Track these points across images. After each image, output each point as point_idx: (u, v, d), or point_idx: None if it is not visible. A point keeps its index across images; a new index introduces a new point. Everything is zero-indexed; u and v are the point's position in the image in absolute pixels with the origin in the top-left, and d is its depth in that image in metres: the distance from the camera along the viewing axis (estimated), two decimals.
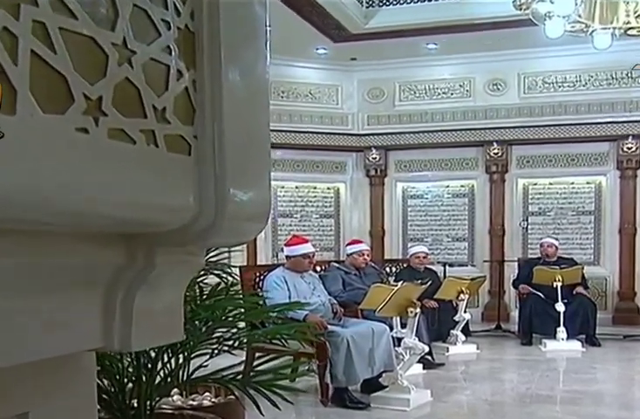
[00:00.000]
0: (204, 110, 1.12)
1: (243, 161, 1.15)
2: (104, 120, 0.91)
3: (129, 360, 2.19)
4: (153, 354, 2.20)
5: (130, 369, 2.22)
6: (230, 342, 2.47)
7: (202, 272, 2.59)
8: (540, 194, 9.21)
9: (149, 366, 2.25)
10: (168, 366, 2.37)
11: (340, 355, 4.85)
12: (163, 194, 1.02)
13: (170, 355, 2.32)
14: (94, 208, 0.91)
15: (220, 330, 2.48)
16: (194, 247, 1.22)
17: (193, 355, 2.44)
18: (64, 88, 0.82)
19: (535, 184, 9.22)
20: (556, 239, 8.15)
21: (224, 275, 2.74)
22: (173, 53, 1.01)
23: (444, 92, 9.34)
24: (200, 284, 2.67)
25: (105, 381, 2.20)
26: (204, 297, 2.53)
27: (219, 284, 2.61)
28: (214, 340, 2.45)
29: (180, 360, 2.38)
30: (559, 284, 7.28)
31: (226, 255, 3.36)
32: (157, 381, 2.30)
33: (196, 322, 2.39)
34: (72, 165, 0.83)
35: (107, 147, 0.92)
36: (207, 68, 1.15)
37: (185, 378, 2.36)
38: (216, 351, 2.48)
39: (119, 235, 1.11)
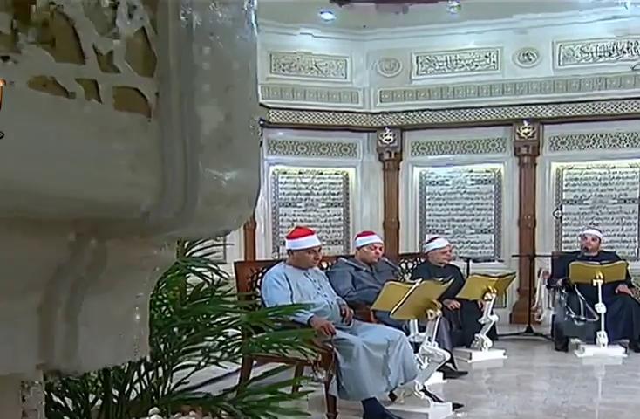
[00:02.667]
0: (168, 59, 0.97)
1: (224, 132, 1.05)
2: (21, 63, 0.74)
3: (96, 374, 2.06)
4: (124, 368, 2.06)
5: (99, 384, 2.08)
6: (219, 352, 2.33)
7: (177, 270, 2.43)
8: (576, 179, 9.15)
9: (121, 381, 2.10)
10: (145, 380, 2.23)
11: (349, 365, 4.75)
12: (110, 166, 0.88)
13: (146, 369, 2.18)
14: (11, 180, 0.76)
15: (206, 338, 2.35)
16: (158, 238, 1.08)
17: (175, 368, 2.30)
18: None
19: (571, 168, 9.16)
20: (600, 231, 8.02)
21: (210, 272, 2.58)
22: None
23: (467, 64, 9.28)
24: (181, 284, 2.52)
25: (68, 400, 2.07)
26: (185, 300, 2.38)
27: (201, 284, 2.47)
28: (200, 351, 2.31)
29: (160, 374, 2.24)
30: (599, 281, 7.18)
31: (216, 249, 3.21)
32: (132, 399, 2.17)
33: (175, 330, 2.25)
34: None
35: (29, 100, 0.76)
36: (172, 6, 1.00)
37: (165, 395, 2.22)
38: (202, 363, 2.34)
39: (58, 223, 0.97)
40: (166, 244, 1.15)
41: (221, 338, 2.39)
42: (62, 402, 2.08)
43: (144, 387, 2.22)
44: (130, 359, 1.17)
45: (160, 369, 2.25)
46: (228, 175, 1.03)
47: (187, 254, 3.00)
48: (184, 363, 2.36)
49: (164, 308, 2.30)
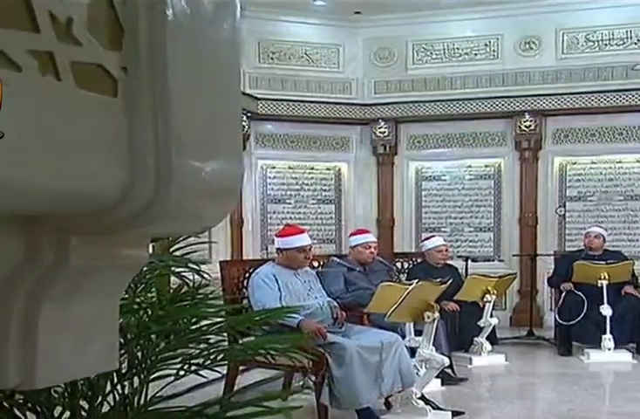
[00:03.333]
0: (137, 30, 0.89)
1: (203, 118, 1.00)
2: None
3: (62, 385, 1.98)
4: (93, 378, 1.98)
5: (66, 395, 2.00)
6: (201, 360, 2.26)
7: (156, 270, 2.36)
8: (580, 175, 9.13)
9: (89, 393, 2.03)
10: (119, 390, 2.15)
11: (342, 371, 4.69)
12: (71, 154, 0.81)
13: (118, 379, 2.10)
14: None
15: (187, 345, 2.28)
16: (128, 235, 1.01)
17: (152, 377, 2.22)
18: None
19: (575, 163, 9.13)
20: (604, 229, 8.01)
21: (192, 273, 2.51)
22: None
23: (466, 53, 9.23)
24: (160, 286, 2.44)
25: (31, 415, 1.99)
26: (164, 304, 2.30)
27: (181, 286, 2.39)
28: (179, 359, 2.24)
29: (136, 384, 2.17)
30: (604, 282, 7.16)
31: (200, 247, 3.14)
32: (103, 412, 2.09)
33: (152, 336, 2.17)
34: None
35: None
36: None
37: (141, 406, 2.14)
38: (182, 371, 2.26)
39: (12, 218, 0.89)
40: (139, 242, 1.09)
41: (205, 344, 2.32)
42: (23, 418, 2.00)
43: (117, 398, 2.14)
44: (97, 371, 1.10)
45: (136, 379, 2.17)
46: (209, 166, 0.99)
47: (172, 253, 2.92)
48: (162, 372, 2.29)
49: (142, 312, 2.23)
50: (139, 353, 2.18)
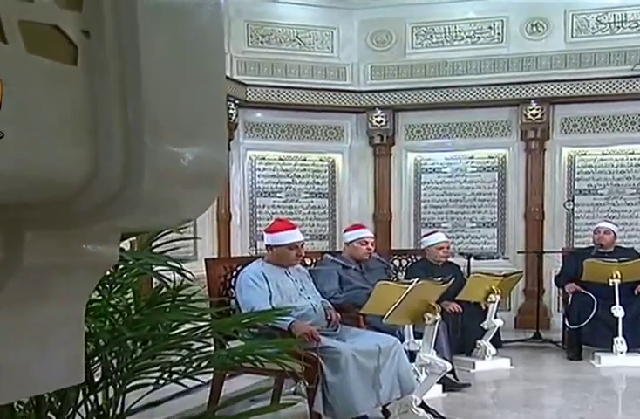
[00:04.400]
0: None
1: (182, 96, 0.94)
2: None
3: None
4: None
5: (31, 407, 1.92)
6: (183, 368, 2.18)
7: (133, 270, 2.27)
8: (590, 167, 9.12)
9: (59, 404, 1.95)
10: (93, 401, 2.08)
11: (337, 377, 4.66)
12: (21, 132, 0.73)
13: (90, 390, 2.02)
14: None
15: (166, 352, 2.20)
16: (94, 229, 0.93)
17: (129, 386, 2.15)
18: None
19: (584, 154, 9.12)
20: (615, 224, 7.99)
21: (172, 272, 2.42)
22: None
23: (468, 37, 9.21)
24: (138, 287, 2.36)
25: None
26: (141, 306, 2.22)
27: (160, 287, 2.31)
28: (158, 367, 2.16)
29: (111, 394, 2.09)
30: (616, 281, 7.14)
31: (184, 243, 3.06)
32: None
33: (128, 342, 2.10)
34: None
35: None
36: None
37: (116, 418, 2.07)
38: (162, 380, 2.19)
39: None
40: (107, 238, 1.01)
41: (187, 350, 2.24)
42: None
43: (90, 409, 2.07)
44: (60, 385, 1.02)
45: (111, 388, 2.10)
46: (189, 151, 0.93)
47: (152, 249, 2.84)
48: (140, 382, 2.21)
49: (117, 316, 2.15)
50: (114, 361, 2.11)
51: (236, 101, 8.62)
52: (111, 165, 0.81)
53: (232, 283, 5.38)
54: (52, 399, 1.94)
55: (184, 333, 2.24)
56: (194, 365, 2.19)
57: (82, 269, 0.99)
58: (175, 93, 0.91)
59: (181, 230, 2.75)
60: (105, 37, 0.81)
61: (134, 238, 2.46)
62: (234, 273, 5.41)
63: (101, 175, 0.81)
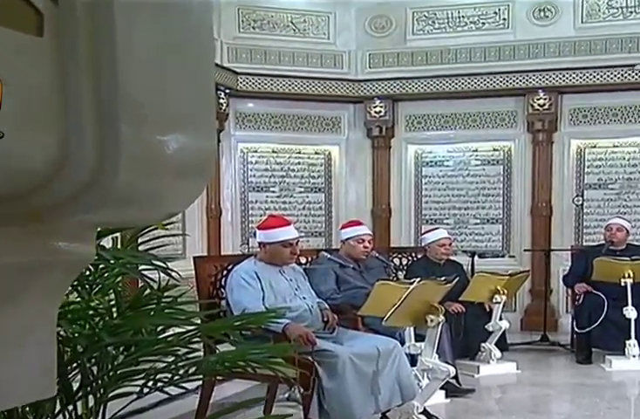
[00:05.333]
0: None
1: (165, 79, 0.91)
2: None
3: None
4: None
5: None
6: (169, 375, 2.14)
7: (115, 269, 2.22)
8: (600, 160, 9.12)
9: (34, 415, 1.90)
10: (71, 411, 2.03)
11: (334, 383, 4.64)
12: None
13: (68, 399, 1.97)
14: None
15: (150, 358, 2.16)
16: (65, 224, 0.88)
17: (110, 395, 2.10)
18: None
19: (594, 147, 9.12)
20: (627, 220, 8.00)
21: (159, 272, 2.38)
22: None
23: (472, 22, 9.20)
24: (119, 288, 2.32)
25: None
26: (123, 309, 2.17)
27: (144, 288, 2.27)
28: (142, 374, 2.12)
29: (91, 403, 2.05)
30: (629, 281, 7.14)
31: (170, 241, 3.01)
32: None
33: (109, 348, 2.05)
34: None
35: None
36: None
37: None
38: (146, 389, 2.14)
39: None
40: (81, 234, 0.95)
41: (173, 356, 2.20)
42: None
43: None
44: (28, 400, 0.96)
45: (91, 397, 2.05)
46: (174, 138, 0.91)
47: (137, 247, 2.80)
48: (123, 390, 2.16)
49: (97, 320, 2.10)
50: (94, 368, 2.07)
51: (227, 90, 8.58)
52: (82, 152, 0.77)
53: (222, 283, 5.37)
54: (26, 409, 1.89)
55: (170, 338, 2.19)
56: (181, 372, 2.15)
57: (53, 268, 0.95)
58: (159, 78, 0.88)
59: (168, 227, 2.70)
60: (75, 5, 0.75)
61: (117, 235, 2.42)
62: (225, 272, 5.40)
63: (70, 162, 0.77)
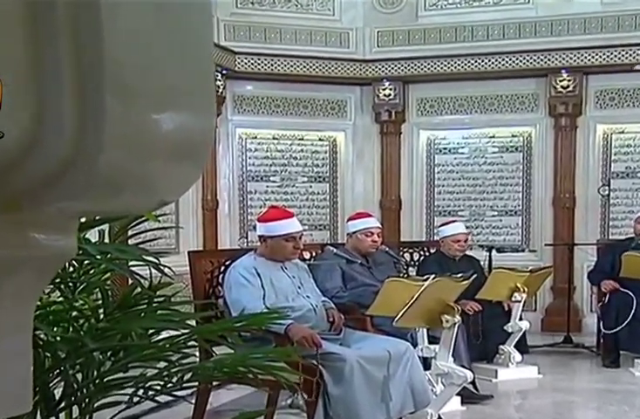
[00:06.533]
0: None
1: (158, 52, 0.89)
2: None
3: None
4: None
5: None
6: (161, 382, 2.10)
7: (101, 265, 2.18)
8: (628, 146, 9.16)
9: None
10: None
11: (341, 389, 4.63)
12: None
13: (48, 411, 1.94)
14: None
15: (140, 364, 2.12)
16: (40, 213, 0.84)
17: (96, 405, 2.07)
18: None
19: (622, 132, 9.16)
20: None
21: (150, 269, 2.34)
22: None
23: None
24: (107, 287, 2.28)
25: None
26: (110, 310, 2.13)
27: (134, 287, 2.23)
28: (132, 382, 2.08)
29: (76, 414, 2.02)
30: None
31: (162, 234, 2.97)
32: None
33: (95, 354, 2.01)
34: None
35: None
36: None
37: None
38: (136, 397, 2.11)
39: None
40: (60, 225, 0.91)
41: (166, 362, 2.17)
42: None
43: None
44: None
45: (75, 408, 2.02)
46: (169, 117, 0.88)
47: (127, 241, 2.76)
48: (110, 399, 2.13)
49: (82, 322, 2.06)
50: (79, 376, 2.03)
51: (224, 71, 8.56)
52: (59, 126, 0.74)
53: (220, 280, 5.37)
54: None
55: (163, 342, 2.16)
56: (175, 379, 2.11)
57: (28, 265, 0.90)
58: (153, 47, 0.86)
59: (160, 218, 2.67)
60: None
61: (104, 227, 2.38)
62: (222, 269, 5.40)
63: (46, 138, 0.72)
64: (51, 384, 1.97)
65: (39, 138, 0.71)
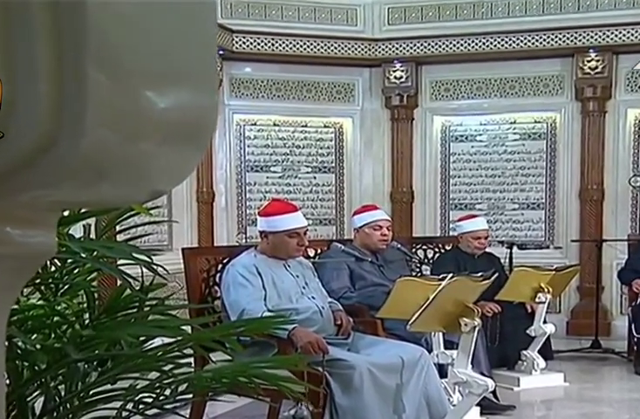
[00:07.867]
0: None
1: (152, 22, 0.86)
2: None
3: None
4: None
5: None
6: (153, 395, 2.07)
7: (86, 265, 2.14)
8: None
9: None
10: None
11: (350, 398, 4.64)
12: None
13: None
14: None
15: (130, 375, 2.09)
16: (12, 206, 0.81)
17: None
18: None
19: None
20: None
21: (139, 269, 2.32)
22: None
23: None
24: (92, 288, 2.25)
25: None
26: (97, 315, 2.10)
27: (122, 288, 2.20)
28: (121, 395, 2.05)
29: None
30: None
31: (153, 229, 2.94)
32: None
33: (79, 364, 1.98)
34: None
35: None
36: None
37: None
38: (125, 412, 2.08)
39: None
40: (37, 219, 0.87)
41: (158, 372, 2.14)
42: None
43: None
44: None
45: None
46: (165, 94, 0.86)
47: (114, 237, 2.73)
48: (96, 414, 2.10)
49: (65, 327, 2.02)
50: (62, 388, 2.00)
51: (220, 52, 8.53)
52: (33, 101, 0.68)
53: (217, 279, 5.38)
54: None
55: (155, 350, 2.13)
56: (168, 391, 2.08)
57: (2, 263, 0.87)
58: (145, 21, 0.84)
59: (152, 211, 2.63)
60: None
61: (89, 222, 2.35)
62: (220, 267, 5.40)
63: (17, 118, 0.67)
64: (29, 398, 1.94)
65: (12, 117, 0.68)
